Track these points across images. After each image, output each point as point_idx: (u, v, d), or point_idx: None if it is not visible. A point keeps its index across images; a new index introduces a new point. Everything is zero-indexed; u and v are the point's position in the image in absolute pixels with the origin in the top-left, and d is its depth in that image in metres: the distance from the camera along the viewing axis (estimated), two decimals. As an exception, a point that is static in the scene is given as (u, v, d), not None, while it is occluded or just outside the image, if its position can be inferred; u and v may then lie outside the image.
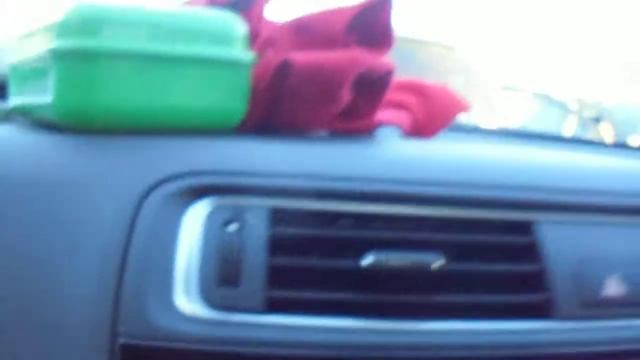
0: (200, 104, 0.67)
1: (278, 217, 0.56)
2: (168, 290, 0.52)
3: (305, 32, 0.74)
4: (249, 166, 0.57)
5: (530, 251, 0.59)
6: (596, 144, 1.13)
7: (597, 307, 0.59)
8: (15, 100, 0.73)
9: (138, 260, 0.52)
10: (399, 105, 0.85)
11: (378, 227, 0.57)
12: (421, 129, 0.85)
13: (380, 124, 0.81)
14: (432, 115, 0.85)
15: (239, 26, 0.68)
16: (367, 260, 0.54)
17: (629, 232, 0.63)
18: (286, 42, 0.73)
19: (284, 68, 0.69)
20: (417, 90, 0.86)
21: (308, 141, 0.65)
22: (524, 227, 0.60)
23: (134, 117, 0.64)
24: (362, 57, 0.71)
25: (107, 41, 0.61)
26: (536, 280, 0.59)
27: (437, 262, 0.55)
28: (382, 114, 0.82)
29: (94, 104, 0.62)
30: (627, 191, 0.65)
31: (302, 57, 0.69)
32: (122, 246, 0.53)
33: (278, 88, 0.70)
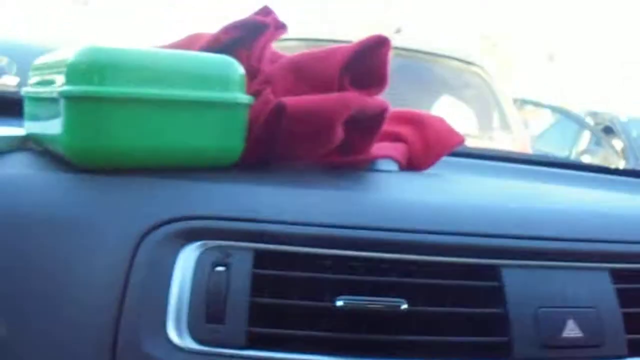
0: (200, 143, 0.72)
1: (261, 259, 0.61)
2: (161, 324, 0.58)
3: (301, 72, 0.78)
4: (237, 212, 0.63)
5: (494, 295, 0.64)
6: (592, 168, 1.16)
7: (556, 349, 0.64)
8: (29, 127, 0.79)
9: (136, 296, 0.58)
10: (396, 137, 0.90)
11: (353, 271, 0.62)
12: (417, 161, 0.90)
13: (376, 158, 0.85)
14: (428, 147, 0.90)
15: (237, 69, 0.73)
16: (340, 302, 0.60)
17: (586, 276, 0.67)
18: (283, 81, 0.78)
19: (278, 111, 0.74)
20: (414, 122, 0.91)
21: (294, 186, 0.70)
22: (490, 272, 0.65)
23: (137, 156, 0.69)
24: (353, 98, 0.76)
25: (113, 86, 0.67)
26: (498, 323, 0.63)
27: (404, 305, 0.60)
28: (379, 147, 0.87)
29: (100, 144, 0.68)
30: (585, 237, 0.70)
31: (294, 100, 0.74)
32: (122, 282, 0.59)
33: (273, 129, 0.75)
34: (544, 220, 0.71)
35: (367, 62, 0.78)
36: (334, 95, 0.75)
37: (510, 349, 0.63)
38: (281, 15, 0.83)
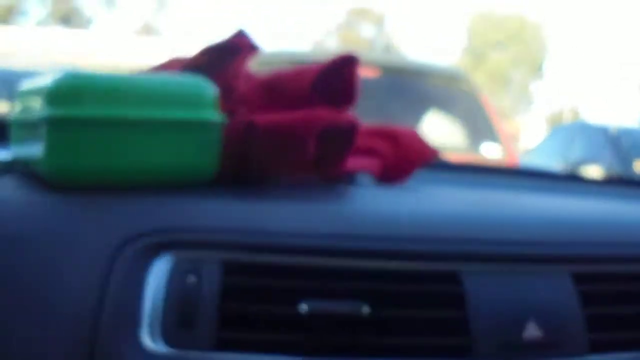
0: (175, 163, 0.75)
1: (229, 269, 0.65)
2: (136, 332, 0.62)
3: (274, 91, 0.82)
4: (206, 224, 0.67)
5: (455, 299, 0.67)
6: (570, 178, 1.19)
7: (516, 349, 0.66)
8: (15, 151, 0.83)
9: (112, 306, 0.62)
10: (370, 152, 0.93)
11: (317, 278, 0.65)
12: (391, 174, 0.93)
13: (349, 171, 0.88)
14: (402, 160, 0.93)
15: (209, 89, 0.76)
16: (304, 307, 0.63)
17: (547, 279, 0.70)
18: (256, 101, 0.82)
19: (249, 130, 0.77)
20: (387, 136, 0.94)
21: (262, 199, 0.74)
22: (451, 277, 0.68)
23: (114, 176, 0.73)
24: (323, 115, 0.79)
25: (90, 109, 0.70)
26: (459, 326, 0.66)
27: (365, 309, 0.63)
28: (353, 161, 0.90)
29: (78, 165, 0.71)
30: (547, 241, 0.72)
31: (266, 118, 0.78)
32: (98, 295, 0.62)
33: (246, 147, 0.78)
34: (506, 226, 0.74)
35: (336, 80, 0.82)
36: (304, 112, 0.79)
37: (470, 350, 0.66)
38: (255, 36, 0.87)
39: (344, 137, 0.84)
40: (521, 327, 0.67)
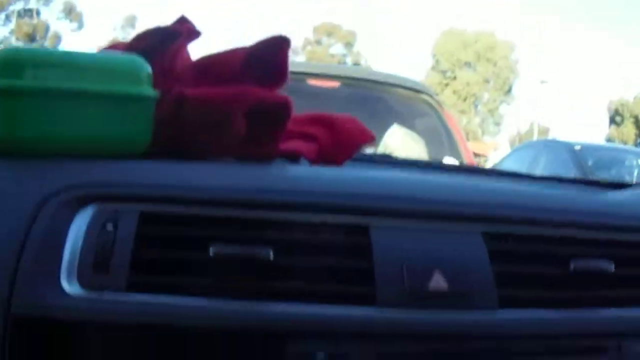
0: (110, 134, 0.80)
1: (145, 219, 0.69)
2: (55, 276, 0.66)
3: (207, 70, 0.87)
4: (124, 179, 0.72)
5: (362, 250, 0.70)
6: (525, 176, 1.22)
7: (421, 299, 0.69)
8: None
9: (32, 252, 0.66)
10: (308, 137, 0.97)
11: (225, 227, 0.69)
12: (328, 158, 0.97)
13: (283, 152, 0.92)
14: (339, 144, 0.97)
15: (144, 66, 0.81)
16: (213, 250, 0.66)
17: (457, 235, 0.73)
18: (191, 80, 0.86)
19: (179, 101, 0.82)
20: (325, 122, 0.98)
21: (182, 162, 0.78)
22: (359, 230, 0.71)
23: (51, 145, 0.77)
24: (252, 91, 0.84)
25: (29, 81, 0.75)
26: (364, 275, 0.69)
27: (271, 254, 0.67)
28: (288, 144, 0.94)
29: (16, 134, 0.76)
30: (457, 201, 0.76)
31: (195, 91, 0.82)
32: (20, 242, 0.66)
33: (176, 119, 0.83)
34: (417, 186, 0.77)
35: (267, 60, 0.87)
36: (233, 88, 0.84)
37: (375, 298, 0.68)
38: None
39: (276, 117, 0.88)
40: (427, 278, 0.70)
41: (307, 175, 0.76)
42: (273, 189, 0.72)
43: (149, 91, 0.81)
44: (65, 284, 0.65)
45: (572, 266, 0.76)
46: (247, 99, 0.83)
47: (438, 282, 0.71)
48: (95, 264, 0.66)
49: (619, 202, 0.87)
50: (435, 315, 0.69)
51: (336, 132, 0.97)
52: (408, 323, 0.68)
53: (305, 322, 0.65)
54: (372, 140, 0.98)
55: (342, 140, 0.97)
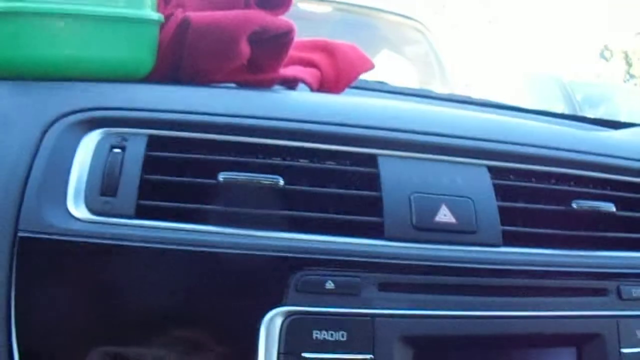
0: (113, 56, 0.78)
1: (154, 143, 0.68)
2: (61, 199, 0.65)
3: None
4: (132, 102, 0.70)
5: (370, 180, 0.70)
6: (519, 109, 1.22)
7: (427, 231, 0.70)
8: None
9: (39, 176, 0.65)
10: (308, 63, 0.96)
11: (237, 154, 0.69)
12: (328, 85, 0.96)
13: (285, 78, 0.91)
14: (339, 72, 0.96)
15: None
16: (222, 177, 0.66)
17: (463, 169, 0.74)
18: (193, 4, 0.84)
19: (183, 25, 0.80)
20: (326, 49, 0.97)
21: (189, 85, 0.77)
22: (368, 160, 0.71)
23: (53, 68, 0.75)
24: (256, 15, 0.82)
25: (28, 2, 0.73)
26: (373, 205, 0.70)
27: (281, 181, 0.67)
28: (289, 70, 0.93)
29: (17, 54, 0.73)
30: (464, 135, 0.76)
31: (199, 15, 0.80)
32: (27, 165, 0.65)
33: (180, 43, 0.81)
34: (426, 118, 0.77)
35: None
36: (237, 12, 0.82)
37: (382, 228, 0.69)
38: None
39: (279, 42, 0.87)
40: (434, 210, 0.71)
41: (318, 103, 0.75)
42: (284, 116, 0.71)
43: (153, 14, 0.79)
44: (72, 208, 0.64)
45: (574, 205, 0.77)
46: (251, 24, 0.81)
47: (445, 214, 0.71)
48: (103, 188, 0.65)
49: (621, 142, 0.88)
50: (440, 249, 0.70)
51: (337, 59, 0.96)
52: (413, 256, 0.68)
53: (314, 251, 0.66)
54: (372, 68, 0.97)
55: (343, 67, 0.96)
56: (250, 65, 0.86)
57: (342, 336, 0.64)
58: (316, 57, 0.96)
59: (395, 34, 1.87)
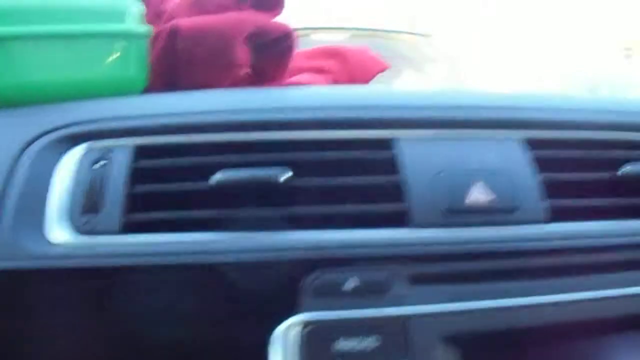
0: (103, 75, 0.73)
1: (140, 152, 0.61)
2: (39, 223, 0.58)
3: (200, 3, 0.79)
4: (114, 113, 0.63)
5: (388, 164, 0.61)
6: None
7: (460, 214, 0.60)
8: None
9: (14, 200, 0.58)
10: (320, 71, 0.89)
11: (231, 152, 0.61)
12: (343, 90, 0.88)
13: (294, 85, 0.84)
14: (352, 76, 0.89)
15: (132, 4, 0.74)
16: (216, 178, 0.58)
17: (494, 143, 0.64)
18: (184, 14, 0.78)
19: (173, 32, 0.74)
20: (337, 55, 0.90)
21: (180, 93, 0.70)
22: (383, 143, 0.62)
23: (39, 92, 0.70)
24: (249, 18, 0.76)
25: (14, 25, 0.68)
26: (394, 191, 0.60)
27: (284, 176, 0.58)
28: (299, 78, 0.86)
29: (3, 81, 0.69)
30: (494, 105, 0.66)
31: (189, 21, 0.74)
32: (1, 186, 0.58)
33: (171, 52, 0.75)
34: (445, 95, 0.68)
35: None
36: (229, 14, 0.76)
37: (407, 216, 0.59)
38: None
39: (280, 47, 0.80)
40: (464, 192, 0.61)
41: (317, 92, 0.68)
42: (282, 107, 0.63)
43: (139, 27, 0.74)
44: (52, 230, 0.57)
45: (620, 172, 0.66)
46: (245, 25, 0.75)
47: (477, 195, 0.61)
48: (86, 206, 0.58)
49: None
50: (476, 233, 0.60)
51: (349, 64, 0.89)
52: (446, 242, 0.58)
53: (330, 249, 0.57)
54: (386, 69, 0.89)
55: (356, 72, 0.89)
56: (255, 74, 0.80)
57: (371, 344, 0.54)
58: (328, 64, 0.89)
59: (415, 52, 1.81)
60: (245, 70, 0.78)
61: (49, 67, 0.70)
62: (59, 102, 0.67)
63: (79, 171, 0.60)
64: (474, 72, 1.78)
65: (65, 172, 0.60)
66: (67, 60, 0.71)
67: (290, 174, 0.58)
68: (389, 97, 0.67)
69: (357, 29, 1.77)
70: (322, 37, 1.68)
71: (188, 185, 0.59)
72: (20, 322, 0.55)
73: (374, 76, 0.89)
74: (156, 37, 0.76)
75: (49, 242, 0.57)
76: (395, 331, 0.54)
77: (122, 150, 0.61)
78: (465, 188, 0.61)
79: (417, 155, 0.62)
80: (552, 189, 0.63)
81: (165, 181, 0.59)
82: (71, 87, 0.71)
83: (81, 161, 0.61)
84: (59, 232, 0.57)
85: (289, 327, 0.54)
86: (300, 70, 0.87)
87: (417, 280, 0.57)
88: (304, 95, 0.67)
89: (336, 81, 0.88)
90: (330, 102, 0.64)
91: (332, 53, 0.91)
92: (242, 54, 0.76)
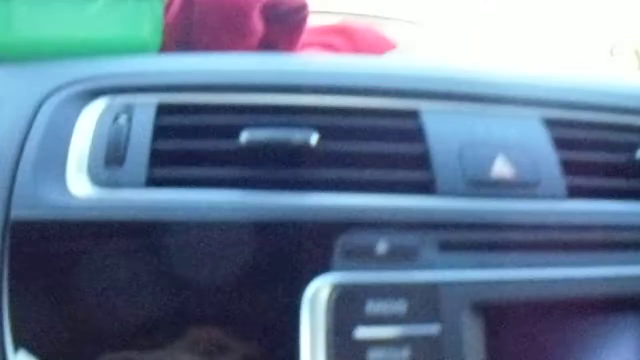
0: (116, 35, 0.71)
1: (163, 109, 0.60)
2: (60, 175, 0.56)
3: None
4: (138, 68, 0.62)
5: (415, 134, 0.61)
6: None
7: (484, 185, 0.60)
8: None
9: (33, 152, 0.56)
10: (327, 47, 0.89)
11: (258, 114, 0.60)
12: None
13: (303, 58, 0.84)
14: (359, 53, 0.88)
15: None
16: (244, 137, 0.57)
17: (516, 120, 0.65)
18: None
19: (187, 2, 0.73)
20: (344, 32, 0.90)
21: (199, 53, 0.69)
22: (410, 113, 0.62)
23: (50, 48, 0.68)
24: None
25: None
26: (420, 161, 0.60)
27: (314, 137, 0.57)
28: (307, 52, 0.85)
29: (15, 36, 0.67)
30: (516, 83, 0.67)
31: None
32: (19, 142, 0.57)
33: (186, 20, 0.74)
34: (471, 70, 0.68)
35: None
36: None
37: (434, 185, 0.59)
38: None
39: (294, 19, 0.80)
40: (489, 164, 0.61)
41: (346, 61, 0.67)
42: (308, 70, 0.63)
43: (156, -11, 0.72)
44: (72, 181, 0.55)
45: (638, 155, 0.68)
46: None
47: (501, 168, 0.62)
48: (108, 159, 0.56)
49: None
50: (500, 204, 0.60)
51: (356, 41, 0.89)
52: (472, 212, 0.58)
53: (360, 210, 0.56)
54: (393, 48, 0.90)
55: (362, 49, 0.89)
56: (265, 45, 0.79)
57: (402, 307, 0.54)
58: (335, 40, 0.89)
59: (402, 38, 1.82)
60: (256, 39, 0.77)
61: (64, 23, 0.68)
62: (72, 57, 0.66)
63: (99, 125, 0.58)
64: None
65: (86, 125, 0.58)
66: (79, 16, 0.69)
67: (319, 136, 0.58)
68: (417, 68, 0.67)
69: (347, 14, 1.77)
70: (313, 20, 1.68)
71: (214, 144, 0.58)
72: (40, 274, 0.53)
73: (381, 54, 0.89)
74: (171, 2, 0.74)
75: (70, 194, 0.55)
76: (426, 295, 0.54)
77: (145, 106, 0.59)
78: (489, 161, 0.61)
79: (444, 126, 0.62)
80: (570, 168, 0.64)
81: (191, 137, 0.58)
82: (83, 44, 0.70)
83: (102, 115, 0.59)
84: (80, 185, 0.55)
85: (319, 288, 0.53)
86: (310, 45, 0.87)
87: (445, 247, 0.57)
88: (332, 62, 0.66)
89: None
90: (359, 70, 0.64)
91: (340, 30, 0.90)
92: (256, 24, 0.75)
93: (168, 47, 0.74)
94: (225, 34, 0.75)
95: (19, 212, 0.53)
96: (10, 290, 0.52)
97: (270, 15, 0.77)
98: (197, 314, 0.54)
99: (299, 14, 0.79)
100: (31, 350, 0.51)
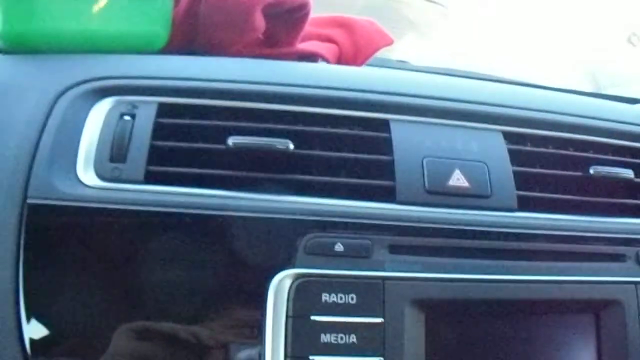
0: (127, 29, 0.79)
1: (163, 110, 0.68)
2: (71, 167, 0.65)
3: None
4: (142, 71, 0.71)
5: (382, 144, 0.70)
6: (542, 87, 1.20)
7: (440, 195, 0.69)
8: None
9: (48, 143, 0.66)
10: (326, 39, 0.96)
11: (245, 119, 0.69)
12: (346, 61, 0.95)
13: (302, 53, 0.91)
14: (357, 47, 0.95)
15: None
16: (231, 141, 0.66)
17: (477, 134, 0.73)
18: None
19: None
20: (344, 24, 0.96)
21: (199, 56, 0.77)
22: (380, 124, 0.71)
23: (65, 40, 0.76)
24: None
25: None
26: (385, 169, 0.69)
27: (291, 145, 0.66)
28: (307, 45, 0.92)
29: (28, 28, 0.75)
30: (478, 100, 0.75)
31: None
32: (37, 133, 0.66)
33: (194, 16, 0.81)
34: (439, 84, 0.76)
35: None
36: None
37: (394, 192, 0.68)
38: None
39: (295, 17, 0.87)
40: (447, 174, 0.70)
41: (328, 70, 0.75)
42: (293, 82, 0.71)
43: (165, -16, 0.80)
44: (81, 175, 0.65)
45: (592, 171, 0.75)
46: None
47: (458, 178, 0.70)
48: (112, 155, 0.66)
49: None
50: (453, 213, 0.69)
51: (355, 34, 0.96)
52: (423, 219, 0.67)
53: (323, 213, 0.65)
54: (391, 43, 0.96)
55: (361, 43, 0.95)
56: (266, 39, 0.86)
57: (352, 299, 0.63)
58: (334, 33, 0.96)
59: (420, 18, 1.85)
60: (258, 35, 0.85)
61: (78, 17, 0.76)
62: (84, 53, 0.74)
63: (106, 123, 0.67)
64: (477, 49, 1.83)
65: (94, 122, 0.67)
66: (94, 10, 0.76)
67: (297, 144, 0.67)
68: (390, 81, 0.74)
69: None
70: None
71: (206, 145, 0.67)
72: (48, 255, 0.63)
73: (378, 49, 0.96)
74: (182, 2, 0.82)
75: (81, 185, 0.65)
76: (373, 290, 0.64)
77: (147, 106, 0.68)
78: (447, 172, 0.70)
79: (409, 138, 0.71)
80: (524, 181, 0.72)
81: (185, 139, 0.67)
82: (96, 37, 0.77)
83: (109, 113, 0.68)
84: (87, 178, 0.65)
85: (283, 278, 0.63)
86: (309, 36, 0.94)
87: (396, 249, 0.66)
88: (316, 72, 0.74)
89: (342, 51, 0.95)
90: (339, 81, 0.72)
91: (340, 23, 0.97)
92: (259, 21, 0.83)
93: (175, 41, 0.82)
94: (229, 30, 0.83)
95: (34, 198, 0.63)
96: (25, 265, 0.62)
97: (273, 13, 0.83)
98: (178, 291, 0.64)
99: (301, 12, 0.86)
100: (41, 318, 0.62)
